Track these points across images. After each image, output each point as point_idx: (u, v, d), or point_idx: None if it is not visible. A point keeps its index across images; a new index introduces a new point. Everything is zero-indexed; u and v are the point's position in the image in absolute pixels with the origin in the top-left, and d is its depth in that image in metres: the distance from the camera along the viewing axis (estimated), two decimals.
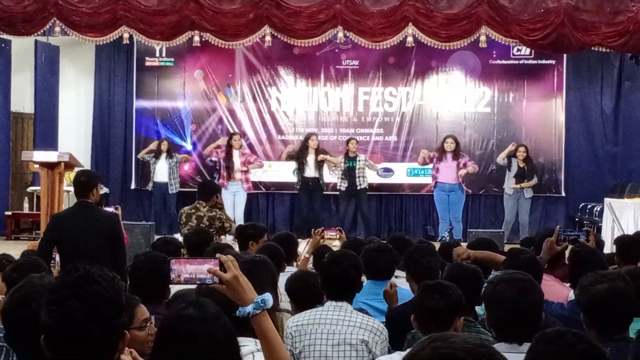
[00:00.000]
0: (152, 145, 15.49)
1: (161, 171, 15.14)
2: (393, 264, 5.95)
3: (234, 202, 14.41)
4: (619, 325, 3.94)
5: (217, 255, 3.01)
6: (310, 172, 14.77)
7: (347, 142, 14.85)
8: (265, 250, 5.86)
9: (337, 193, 15.14)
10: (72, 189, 14.09)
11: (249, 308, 2.96)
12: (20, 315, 3.15)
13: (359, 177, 14.58)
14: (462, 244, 8.15)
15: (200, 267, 2.97)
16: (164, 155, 15.14)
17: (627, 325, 4.00)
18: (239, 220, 13.97)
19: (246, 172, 14.79)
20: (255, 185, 15.73)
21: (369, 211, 15.29)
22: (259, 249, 6.00)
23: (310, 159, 14.78)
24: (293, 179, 15.12)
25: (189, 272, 2.98)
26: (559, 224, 6.14)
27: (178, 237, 9.97)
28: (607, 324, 3.90)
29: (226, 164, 14.63)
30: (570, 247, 6.10)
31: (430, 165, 14.64)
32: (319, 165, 14.77)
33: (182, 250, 7.20)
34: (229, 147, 14.79)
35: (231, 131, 15.85)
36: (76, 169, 13.50)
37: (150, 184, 15.34)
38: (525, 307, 3.77)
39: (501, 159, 14.69)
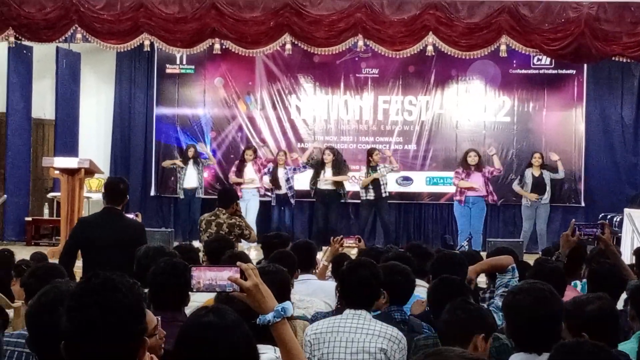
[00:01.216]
0: (173, 162, 15.57)
1: (190, 177, 15.22)
2: (412, 283, 5.74)
3: (246, 209, 14.29)
4: (609, 342, 3.93)
5: (238, 263, 3.01)
6: (326, 184, 14.74)
7: (371, 153, 14.58)
8: (278, 256, 5.87)
9: (357, 202, 15.11)
10: (91, 195, 14.25)
11: (269, 316, 2.97)
12: (46, 319, 3.17)
13: (382, 184, 14.53)
14: (481, 253, 8.12)
15: (221, 274, 2.97)
16: (191, 161, 15.22)
17: (616, 343, 3.99)
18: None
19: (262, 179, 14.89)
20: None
21: (389, 219, 15.24)
22: (272, 257, 6.00)
23: (328, 173, 14.74)
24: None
25: (209, 279, 2.98)
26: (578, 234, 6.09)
27: (196, 243, 9.99)
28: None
29: (238, 178, 14.70)
30: (589, 247, 6.09)
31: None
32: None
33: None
34: (242, 161, 14.86)
35: (250, 138, 16.07)
36: (96, 176, 13.61)
37: (181, 191, 15.29)
38: (543, 316, 3.73)
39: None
